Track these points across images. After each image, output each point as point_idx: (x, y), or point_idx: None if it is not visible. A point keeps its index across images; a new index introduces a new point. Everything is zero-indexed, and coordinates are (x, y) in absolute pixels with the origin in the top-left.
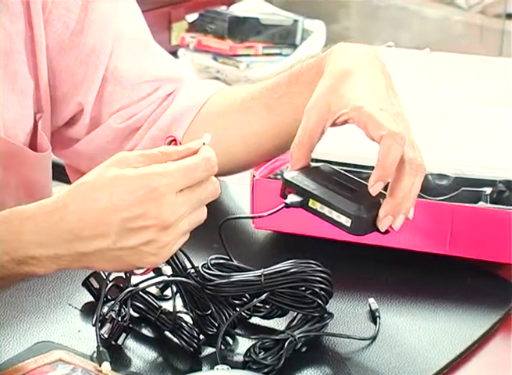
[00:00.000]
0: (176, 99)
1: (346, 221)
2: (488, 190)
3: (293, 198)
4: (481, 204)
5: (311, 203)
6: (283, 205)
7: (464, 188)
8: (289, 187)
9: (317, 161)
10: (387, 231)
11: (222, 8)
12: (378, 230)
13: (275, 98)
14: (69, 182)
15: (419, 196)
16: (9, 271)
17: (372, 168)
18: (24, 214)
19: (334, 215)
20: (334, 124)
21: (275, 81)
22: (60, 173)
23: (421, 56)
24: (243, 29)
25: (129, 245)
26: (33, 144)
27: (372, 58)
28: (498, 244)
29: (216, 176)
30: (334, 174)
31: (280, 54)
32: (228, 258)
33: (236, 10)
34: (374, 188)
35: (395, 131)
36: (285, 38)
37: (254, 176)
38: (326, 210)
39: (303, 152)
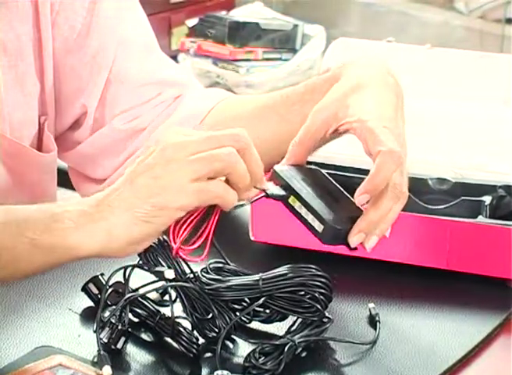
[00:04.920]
0: (181, 105)
1: (319, 227)
2: (487, 199)
3: (275, 189)
4: (480, 218)
5: (291, 200)
6: (264, 194)
7: (463, 197)
8: (276, 178)
9: (316, 164)
10: (355, 248)
11: (222, 13)
12: (348, 245)
13: (288, 105)
14: (70, 187)
15: (420, 208)
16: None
17: (366, 172)
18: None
19: (309, 217)
20: (336, 131)
21: (289, 90)
22: (62, 179)
23: (421, 52)
24: (243, 34)
25: (139, 174)
26: (38, 146)
27: (388, 77)
28: (498, 260)
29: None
30: (324, 180)
31: (280, 58)
32: (228, 262)
33: (236, 15)
34: (359, 199)
35: (394, 150)
36: (285, 43)
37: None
38: (303, 211)
39: (300, 151)
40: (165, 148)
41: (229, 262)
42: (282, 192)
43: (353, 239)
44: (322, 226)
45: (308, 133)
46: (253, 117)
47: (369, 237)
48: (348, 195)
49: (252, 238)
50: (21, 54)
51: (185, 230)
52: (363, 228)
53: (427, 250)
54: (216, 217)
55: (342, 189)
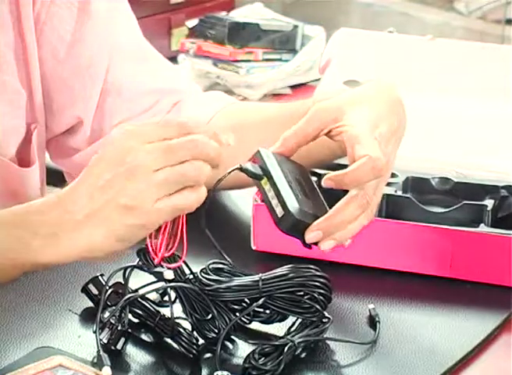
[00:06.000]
0: (182, 112)
1: (280, 212)
2: (489, 204)
3: (251, 167)
4: (482, 227)
5: (264, 182)
6: (238, 166)
7: (465, 201)
8: (256, 157)
9: None
10: (310, 246)
11: (222, 13)
12: (303, 241)
13: (295, 119)
14: None
15: (422, 212)
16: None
17: None
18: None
19: (274, 201)
20: (329, 132)
21: (297, 104)
22: (60, 180)
23: (422, 42)
24: (243, 34)
25: (104, 199)
26: (25, 155)
27: (397, 104)
28: (499, 268)
29: (220, 189)
30: (303, 176)
31: (280, 59)
32: (227, 263)
33: (236, 16)
34: (323, 181)
35: (381, 159)
36: (285, 44)
37: (255, 200)
38: (271, 194)
39: (291, 143)
40: (129, 167)
41: (230, 261)
42: (256, 171)
43: (310, 235)
44: (283, 213)
45: (304, 129)
46: (259, 128)
47: (327, 239)
48: (321, 196)
49: (253, 248)
50: (1, 63)
51: (162, 240)
52: (322, 227)
53: (430, 258)
54: (184, 218)
55: (318, 189)
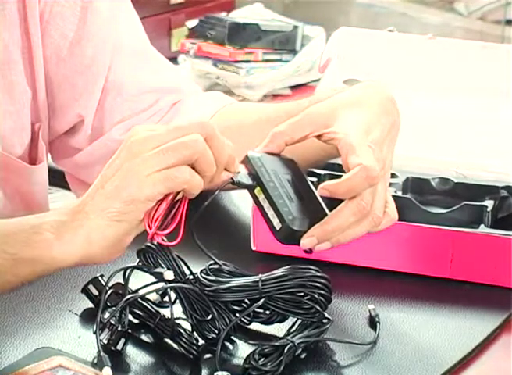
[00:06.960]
0: (181, 112)
1: (277, 224)
2: (489, 204)
3: (243, 177)
4: (482, 228)
5: (257, 191)
6: (230, 180)
7: (465, 202)
8: (247, 164)
9: None
10: (311, 251)
11: (222, 14)
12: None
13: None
14: (69, 188)
15: (422, 213)
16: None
17: None
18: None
19: (270, 212)
20: (320, 136)
21: (294, 104)
22: (61, 180)
23: (422, 41)
24: (243, 35)
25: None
26: (32, 154)
27: (388, 104)
28: (499, 269)
29: (217, 190)
30: (296, 175)
31: (280, 60)
32: (227, 264)
33: (236, 16)
34: (320, 191)
35: (375, 169)
36: (285, 44)
37: None
38: (266, 205)
39: (279, 141)
40: (130, 146)
41: (216, 260)
42: (249, 181)
43: (304, 241)
44: (280, 225)
45: (294, 130)
46: (254, 130)
47: (321, 242)
48: (316, 193)
49: (253, 248)
50: (9, 63)
51: (158, 216)
52: (316, 233)
53: (430, 259)
54: (186, 202)
55: (312, 186)
